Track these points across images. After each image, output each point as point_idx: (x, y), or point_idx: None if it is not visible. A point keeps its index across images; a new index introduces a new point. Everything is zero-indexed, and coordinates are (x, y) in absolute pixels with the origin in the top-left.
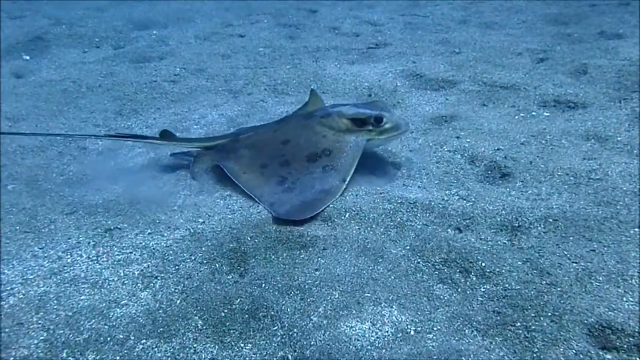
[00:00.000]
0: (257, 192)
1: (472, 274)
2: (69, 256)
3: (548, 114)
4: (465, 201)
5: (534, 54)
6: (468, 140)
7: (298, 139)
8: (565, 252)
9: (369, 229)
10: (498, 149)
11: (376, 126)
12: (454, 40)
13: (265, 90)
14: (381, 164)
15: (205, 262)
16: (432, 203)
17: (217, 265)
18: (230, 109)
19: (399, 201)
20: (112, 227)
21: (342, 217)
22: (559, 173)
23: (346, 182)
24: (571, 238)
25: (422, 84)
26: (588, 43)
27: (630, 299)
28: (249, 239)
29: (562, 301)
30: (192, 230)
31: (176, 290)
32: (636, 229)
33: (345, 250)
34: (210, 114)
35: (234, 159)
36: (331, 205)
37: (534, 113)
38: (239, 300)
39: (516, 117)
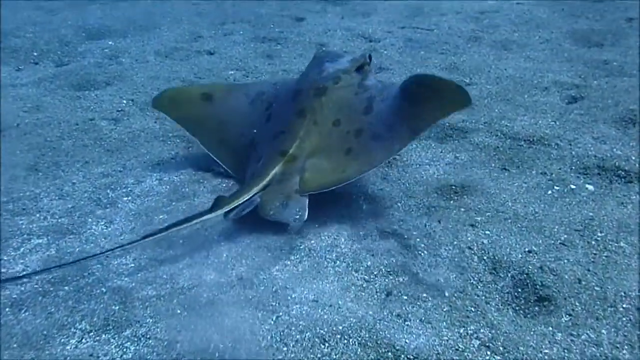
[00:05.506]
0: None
1: None
2: None
3: (592, 189)
4: (489, 352)
5: (563, 90)
6: (487, 231)
7: (348, 115)
8: None
9: None
10: (529, 251)
11: (369, 63)
12: (464, 65)
13: None
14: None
15: None
16: (442, 359)
17: None
18: (175, 169)
19: (392, 356)
20: None
21: None
22: (624, 305)
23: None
24: None
25: (426, 131)
26: (633, 77)
27: None
28: None
29: None
30: None
31: None
32: None
33: None
34: (149, 178)
35: (310, 175)
36: None
37: (572, 186)
38: None
39: (549, 192)
